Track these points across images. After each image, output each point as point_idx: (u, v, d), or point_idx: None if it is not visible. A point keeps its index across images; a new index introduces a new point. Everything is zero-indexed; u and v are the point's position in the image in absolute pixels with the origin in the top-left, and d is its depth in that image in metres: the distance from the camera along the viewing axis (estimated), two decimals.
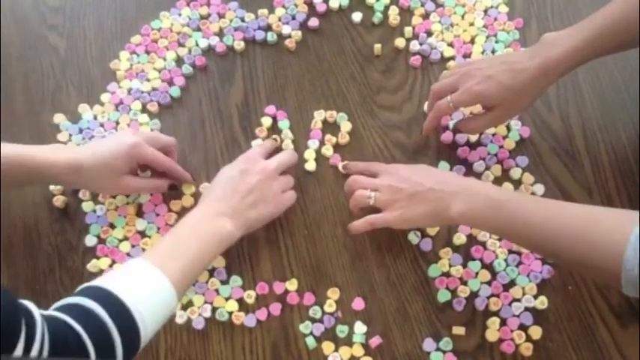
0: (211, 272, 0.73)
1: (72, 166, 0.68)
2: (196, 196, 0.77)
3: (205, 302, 0.72)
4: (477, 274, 0.73)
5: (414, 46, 0.85)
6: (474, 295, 0.72)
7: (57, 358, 0.53)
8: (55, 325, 0.51)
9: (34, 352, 0.47)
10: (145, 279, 0.58)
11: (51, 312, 0.53)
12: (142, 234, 0.76)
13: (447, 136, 0.80)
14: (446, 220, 0.67)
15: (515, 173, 0.78)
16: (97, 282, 0.57)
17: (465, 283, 0.72)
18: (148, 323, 0.56)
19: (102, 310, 0.53)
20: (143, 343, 0.56)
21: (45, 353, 0.49)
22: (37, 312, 0.50)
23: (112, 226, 0.76)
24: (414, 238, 0.75)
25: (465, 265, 0.73)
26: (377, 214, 0.69)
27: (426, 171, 0.71)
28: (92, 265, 0.73)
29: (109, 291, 0.55)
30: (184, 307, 0.72)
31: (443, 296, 0.72)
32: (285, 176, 0.74)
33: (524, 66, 0.68)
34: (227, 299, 0.72)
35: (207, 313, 0.71)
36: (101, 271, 0.73)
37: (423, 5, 0.87)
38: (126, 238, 0.75)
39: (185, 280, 0.61)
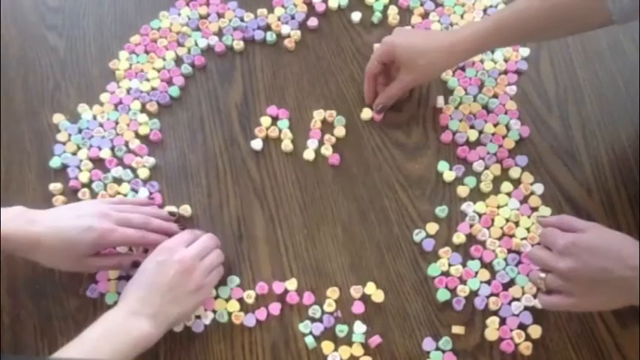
0: None
1: (29, 244, 0.63)
2: (179, 218, 0.77)
3: (206, 310, 0.72)
4: (476, 273, 0.73)
5: None
6: (473, 294, 0.72)
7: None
8: None
9: None
10: None
11: None
12: None
13: (446, 136, 0.80)
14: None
15: (515, 172, 0.78)
16: None
17: (464, 283, 0.72)
18: None
19: None
20: None
21: None
22: None
23: None
24: (417, 237, 0.75)
25: (464, 265, 0.73)
26: (556, 296, 0.63)
27: (618, 249, 0.59)
28: None
29: None
30: None
31: (442, 295, 0.72)
32: (209, 256, 0.69)
33: (437, 36, 0.77)
34: (227, 300, 0.72)
35: (208, 321, 0.71)
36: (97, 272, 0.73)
37: (422, 4, 0.87)
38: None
39: None
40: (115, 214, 0.68)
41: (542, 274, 0.63)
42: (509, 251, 0.74)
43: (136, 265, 0.68)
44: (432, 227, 0.75)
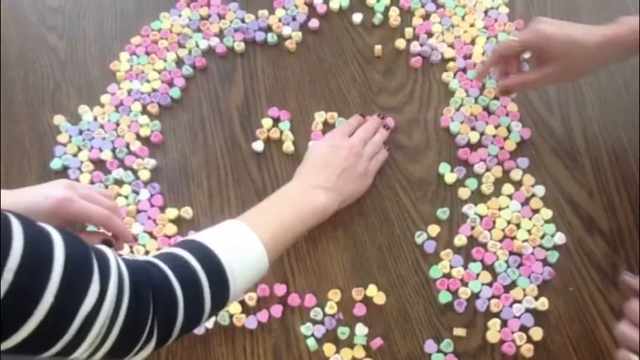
0: None
1: None
2: (181, 220, 0.77)
3: None
4: (477, 275, 0.73)
5: (415, 47, 0.85)
6: (474, 296, 0.72)
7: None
8: (140, 266, 0.51)
9: (111, 290, 0.46)
10: (239, 239, 0.59)
11: (146, 258, 0.53)
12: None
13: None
14: None
15: (516, 174, 0.78)
16: (192, 236, 0.58)
17: (465, 285, 0.72)
18: (238, 280, 0.56)
19: (193, 258, 0.54)
20: (231, 300, 0.57)
21: (126, 291, 0.47)
22: (110, 252, 0.49)
23: None
24: (419, 239, 0.75)
25: (465, 267, 0.73)
26: None
27: None
28: None
29: (204, 244, 0.56)
30: None
31: (444, 297, 0.72)
32: (370, 143, 0.76)
33: (597, 30, 0.68)
34: None
35: (210, 324, 0.71)
36: None
37: (423, 6, 0.87)
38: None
39: (277, 244, 0.62)
40: (81, 188, 0.64)
41: (635, 358, 0.55)
42: (511, 253, 0.74)
43: (106, 243, 0.64)
44: (434, 229, 0.75)
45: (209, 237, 0.57)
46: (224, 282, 0.55)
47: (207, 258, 0.55)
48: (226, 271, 0.55)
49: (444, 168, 0.78)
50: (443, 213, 0.76)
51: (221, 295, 0.56)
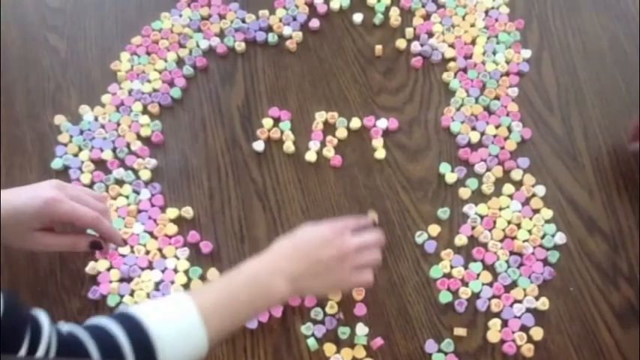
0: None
1: None
2: (181, 219, 0.77)
3: None
4: (478, 275, 0.73)
5: (415, 47, 0.85)
6: (475, 296, 0.72)
7: (60, 358, 0.53)
8: (68, 339, 0.51)
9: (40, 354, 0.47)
10: (185, 329, 0.56)
11: (72, 326, 0.53)
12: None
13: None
14: None
15: (517, 174, 0.78)
16: (133, 309, 0.55)
17: (466, 285, 0.72)
18: (169, 356, 0.54)
19: (124, 336, 0.52)
20: None
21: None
22: (45, 320, 0.50)
23: None
24: (419, 238, 0.75)
25: (466, 267, 0.73)
26: None
27: None
28: (90, 268, 0.73)
29: (138, 321, 0.54)
30: None
31: (444, 297, 0.72)
32: (365, 254, 0.67)
33: None
34: None
35: None
36: (99, 273, 0.73)
37: (424, 6, 0.87)
38: (123, 241, 0.75)
39: (219, 336, 0.59)
40: (71, 189, 0.64)
41: None
42: (511, 253, 0.74)
43: (95, 246, 0.64)
44: (434, 229, 0.75)
45: (154, 313, 0.55)
46: (150, 353, 0.53)
47: (136, 330, 0.53)
48: (154, 343, 0.53)
49: (444, 168, 0.78)
50: (443, 213, 0.76)
51: None
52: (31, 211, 0.61)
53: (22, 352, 0.46)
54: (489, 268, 0.73)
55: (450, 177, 0.78)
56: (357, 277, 0.66)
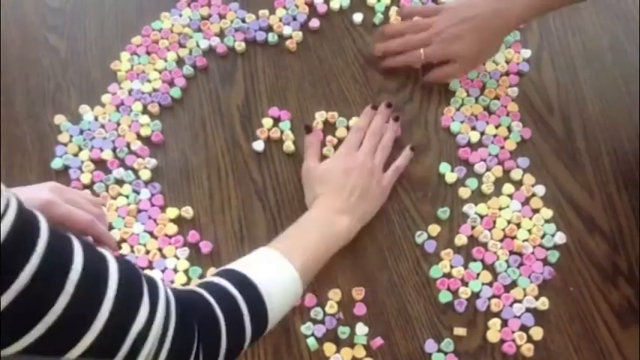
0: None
1: None
2: (181, 219, 0.77)
3: None
4: (478, 275, 0.73)
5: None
6: (475, 296, 0.72)
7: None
8: (185, 294, 0.53)
9: (160, 313, 0.48)
10: (275, 268, 0.61)
11: (189, 287, 0.56)
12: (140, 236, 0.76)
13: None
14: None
15: (516, 174, 0.78)
16: (230, 265, 0.60)
17: (466, 284, 0.72)
18: (275, 308, 0.58)
19: (234, 289, 0.56)
20: (269, 327, 0.59)
21: (172, 316, 0.50)
22: (159, 279, 0.51)
23: (111, 227, 0.76)
24: (419, 238, 0.75)
25: (466, 267, 0.73)
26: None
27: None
28: None
29: (243, 273, 0.58)
30: None
31: (444, 297, 0.72)
32: (380, 151, 0.76)
33: (488, 24, 0.77)
34: None
35: None
36: None
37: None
38: (123, 240, 0.75)
39: (307, 272, 0.64)
40: (67, 192, 0.64)
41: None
42: (511, 253, 0.74)
43: None
44: (434, 229, 0.75)
45: (247, 266, 0.60)
46: (263, 310, 0.57)
47: (247, 287, 0.57)
48: (264, 300, 0.57)
49: (444, 167, 0.78)
50: (443, 213, 0.76)
51: (260, 323, 0.58)
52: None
53: (143, 310, 0.47)
54: (489, 267, 0.73)
55: (450, 177, 0.78)
56: (391, 176, 0.75)
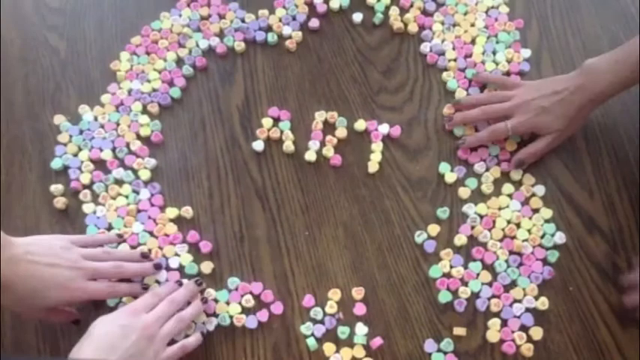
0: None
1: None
2: (181, 219, 0.77)
3: (208, 316, 0.71)
4: (477, 275, 0.73)
5: (426, 47, 0.85)
6: (474, 295, 0.72)
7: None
8: None
9: None
10: None
11: None
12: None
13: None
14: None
15: (516, 174, 0.78)
16: None
17: (465, 284, 0.72)
18: None
19: None
20: None
21: None
22: None
23: (110, 227, 0.76)
24: (419, 238, 0.75)
25: (465, 267, 0.73)
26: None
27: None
28: None
29: None
30: None
31: (444, 297, 0.72)
32: (168, 324, 0.66)
33: (573, 98, 0.74)
34: (228, 303, 0.72)
35: (212, 327, 0.71)
36: None
37: (423, 4, 0.87)
38: (123, 240, 0.75)
39: None
40: (87, 267, 0.66)
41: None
42: (511, 253, 0.74)
43: (76, 322, 0.70)
44: (434, 229, 0.75)
45: None
46: None
47: None
48: None
49: (444, 167, 0.78)
50: (443, 212, 0.76)
51: None
52: (54, 301, 0.65)
53: None
54: (489, 267, 0.73)
55: (450, 177, 0.78)
56: (173, 351, 0.66)
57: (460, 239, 0.74)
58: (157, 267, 0.72)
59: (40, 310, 0.65)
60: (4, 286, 0.61)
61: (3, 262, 0.61)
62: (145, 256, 0.72)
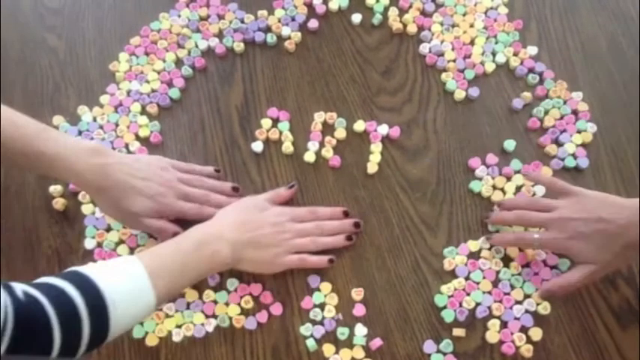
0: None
1: (96, 190, 0.68)
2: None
3: (207, 317, 0.71)
4: (478, 283, 0.72)
5: (425, 48, 0.85)
6: (477, 304, 0.72)
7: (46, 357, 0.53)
8: (25, 302, 0.51)
9: None
10: (131, 282, 0.59)
11: (25, 286, 0.53)
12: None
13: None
14: None
15: (516, 176, 0.78)
16: (82, 269, 0.57)
17: (468, 294, 0.72)
18: (120, 318, 0.57)
19: (79, 296, 0.54)
20: (111, 333, 0.57)
21: (8, 331, 0.48)
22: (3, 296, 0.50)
23: (109, 228, 0.76)
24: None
25: (467, 278, 0.73)
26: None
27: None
28: None
29: (91, 281, 0.56)
30: (179, 326, 0.71)
31: (440, 301, 0.72)
32: (315, 240, 0.72)
33: (619, 231, 0.64)
34: (227, 304, 0.72)
35: (211, 328, 0.71)
36: None
37: (423, 4, 0.87)
38: (122, 242, 0.75)
39: (169, 292, 0.63)
40: (178, 187, 0.71)
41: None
42: (523, 267, 0.73)
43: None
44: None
45: (103, 275, 0.57)
46: (104, 315, 0.55)
47: (93, 296, 0.55)
48: (107, 302, 0.55)
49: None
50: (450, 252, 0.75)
51: (100, 328, 0.55)
52: (143, 212, 0.69)
53: None
54: (492, 274, 0.73)
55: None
56: (290, 261, 0.70)
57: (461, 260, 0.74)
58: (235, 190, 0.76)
59: (136, 220, 0.69)
60: (97, 190, 0.67)
61: (95, 167, 0.66)
62: (236, 189, 0.76)
